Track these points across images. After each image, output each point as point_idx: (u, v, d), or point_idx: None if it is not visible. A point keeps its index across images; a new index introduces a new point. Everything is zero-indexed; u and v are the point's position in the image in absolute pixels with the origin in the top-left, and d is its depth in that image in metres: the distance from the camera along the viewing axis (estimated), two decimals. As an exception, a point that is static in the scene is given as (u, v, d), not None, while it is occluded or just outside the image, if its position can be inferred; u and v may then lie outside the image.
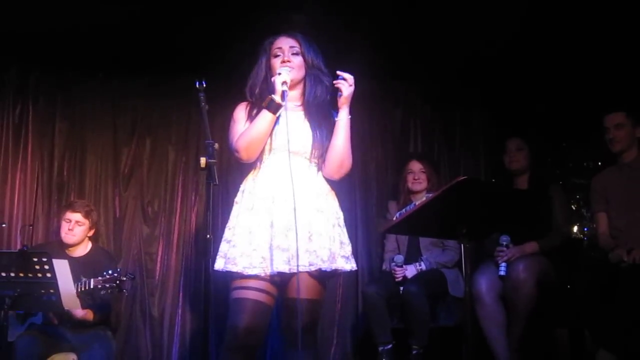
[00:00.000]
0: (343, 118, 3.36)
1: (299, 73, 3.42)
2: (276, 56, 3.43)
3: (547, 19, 4.63)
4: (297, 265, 3.13)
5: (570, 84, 5.22)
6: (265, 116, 3.27)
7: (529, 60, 5.15)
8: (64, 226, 4.76)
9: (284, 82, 3.26)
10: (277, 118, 3.30)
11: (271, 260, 3.20)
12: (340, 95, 3.32)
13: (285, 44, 3.44)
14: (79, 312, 4.39)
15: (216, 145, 3.10)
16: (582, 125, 5.21)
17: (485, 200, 3.10)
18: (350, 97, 3.33)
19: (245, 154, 3.33)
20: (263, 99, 3.32)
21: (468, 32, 4.84)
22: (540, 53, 5.03)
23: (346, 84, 3.29)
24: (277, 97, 3.24)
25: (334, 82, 3.32)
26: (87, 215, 4.78)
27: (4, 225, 5.16)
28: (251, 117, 3.39)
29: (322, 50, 3.52)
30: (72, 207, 4.80)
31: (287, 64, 3.37)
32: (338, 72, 3.31)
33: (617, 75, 4.88)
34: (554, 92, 5.38)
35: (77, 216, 4.74)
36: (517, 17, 4.63)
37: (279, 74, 3.30)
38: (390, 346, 4.66)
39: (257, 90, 3.44)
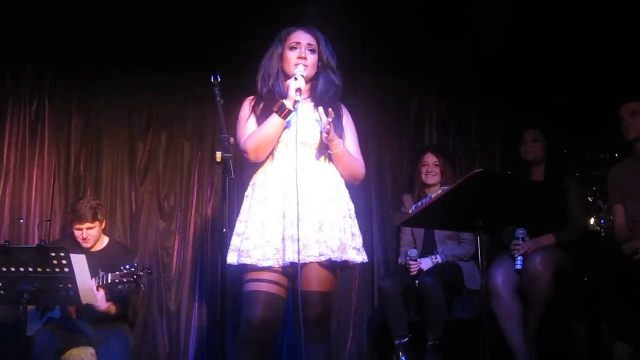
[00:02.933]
0: (337, 150, 3.36)
1: (312, 71, 3.44)
2: (292, 49, 3.43)
3: (563, 9, 4.60)
4: (299, 260, 3.15)
5: (586, 75, 5.19)
6: (275, 120, 3.28)
7: (544, 52, 5.12)
8: (78, 235, 4.71)
9: (298, 89, 3.26)
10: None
11: (283, 250, 3.21)
12: (327, 134, 3.27)
13: (304, 40, 3.45)
14: (103, 305, 4.41)
15: (232, 140, 3.11)
16: (598, 116, 5.18)
17: (502, 193, 3.09)
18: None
19: (253, 156, 3.36)
20: (274, 91, 3.32)
21: (483, 23, 4.81)
22: (557, 44, 5.00)
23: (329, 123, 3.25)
24: (288, 104, 3.25)
25: (325, 123, 3.25)
26: (94, 218, 4.68)
27: (21, 221, 5.19)
28: (255, 112, 3.40)
29: (334, 45, 3.53)
30: (78, 220, 4.67)
31: (303, 60, 3.38)
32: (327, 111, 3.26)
33: (635, 67, 4.84)
34: (570, 84, 5.35)
35: (85, 225, 4.68)
36: (533, 8, 4.60)
37: (295, 78, 3.30)
38: (406, 339, 4.67)
39: (270, 81, 3.45)
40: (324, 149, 3.38)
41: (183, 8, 4.67)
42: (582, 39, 4.87)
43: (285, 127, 3.32)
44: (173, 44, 5.06)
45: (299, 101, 3.26)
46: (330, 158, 3.41)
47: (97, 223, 4.73)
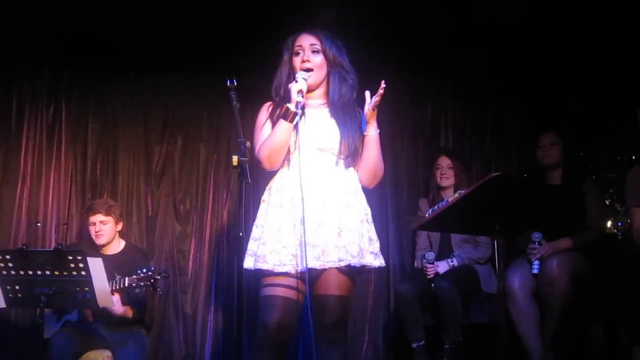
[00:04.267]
0: (372, 133, 3.36)
1: (320, 73, 3.40)
2: (297, 54, 3.41)
3: (579, 12, 4.58)
4: (306, 263, 3.13)
5: (602, 77, 5.16)
6: (283, 126, 3.26)
7: (560, 53, 5.10)
8: (92, 230, 4.79)
9: (300, 91, 3.23)
10: (303, 115, 3.30)
11: (300, 256, 3.20)
12: (369, 109, 3.28)
13: (306, 42, 3.41)
14: (120, 309, 4.43)
15: (248, 143, 3.10)
16: (615, 119, 5.15)
17: (519, 196, 3.09)
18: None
19: (268, 164, 3.34)
20: (287, 99, 3.31)
21: (499, 27, 4.80)
22: (573, 45, 4.98)
23: (378, 99, 3.26)
24: (292, 107, 3.23)
25: (373, 98, 3.26)
26: (108, 212, 4.77)
27: (39, 224, 5.22)
28: (272, 118, 3.39)
29: (349, 47, 3.49)
30: (91, 211, 4.80)
31: (307, 64, 3.36)
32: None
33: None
34: (586, 86, 5.32)
35: (98, 217, 4.75)
36: (547, 12, 4.59)
37: (296, 81, 3.28)
38: (423, 342, 4.65)
39: (281, 91, 3.43)
40: (342, 154, 3.37)
41: (199, 11, 4.69)
42: (598, 40, 4.85)
43: (297, 132, 3.31)
44: (189, 48, 5.09)
45: (300, 102, 3.23)
46: (346, 165, 3.39)
47: (110, 218, 4.78)
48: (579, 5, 4.53)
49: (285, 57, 3.47)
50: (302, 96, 3.24)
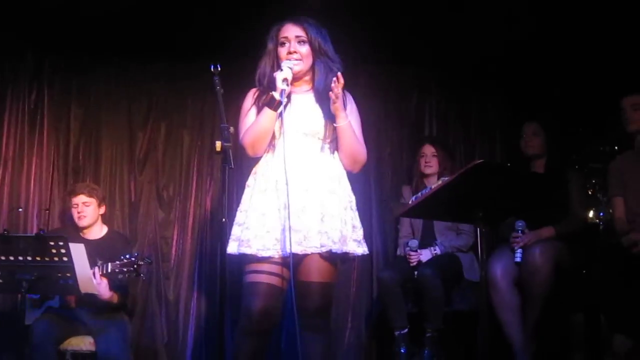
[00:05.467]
0: (342, 123, 3.33)
1: (306, 63, 3.40)
2: (282, 44, 3.40)
3: (563, 3, 4.59)
4: (290, 248, 3.13)
5: (586, 67, 5.17)
6: (267, 113, 3.27)
7: (545, 44, 5.10)
8: (74, 212, 4.78)
9: (285, 80, 3.24)
10: (288, 103, 3.31)
11: (283, 241, 3.21)
12: (332, 103, 3.26)
13: (291, 33, 3.40)
14: (106, 294, 4.41)
15: (231, 129, 3.11)
16: (599, 109, 5.16)
17: (502, 184, 3.09)
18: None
19: (251, 151, 3.36)
20: (271, 88, 3.30)
21: (484, 16, 4.80)
22: (557, 37, 4.98)
23: (339, 88, 3.23)
24: (277, 95, 3.23)
25: (332, 87, 3.22)
26: (90, 194, 4.78)
27: (20, 210, 5.21)
28: (257, 105, 3.39)
29: (335, 35, 3.49)
30: (74, 192, 4.82)
31: (294, 55, 3.35)
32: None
33: (634, 59, 4.82)
34: (571, 77, 5.33)
35: (81, 198, 4.76)
36: (533, 3, 4.60)
37: (281, 70, 3.27)
38: (406, 330, 4.67)
39: (265, 81, 3.42)
40: (327, 140, 3.37)
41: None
42: (583, 30, 4.86)
43: (282, 118, 3.30)
44: (173, 33, 5.05)
45: (285, 90, 3.23)
46: (332, 149, 3.39)
47: (93, 200, 4.78)
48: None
49: (270, 47, 3.46)
50: (287, 84, 3.24)
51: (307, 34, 3.39)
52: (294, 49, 3.37)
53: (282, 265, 3.24)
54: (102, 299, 4.41)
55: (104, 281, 4.36)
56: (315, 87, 3.43)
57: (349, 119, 3.36)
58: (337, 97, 3.23)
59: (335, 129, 3.35)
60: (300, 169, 3.28)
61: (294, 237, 3.17)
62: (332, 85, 3.21)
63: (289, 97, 3.32)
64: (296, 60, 3.34)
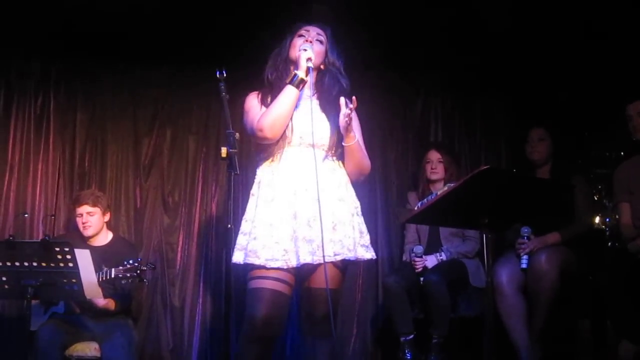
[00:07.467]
0: (351, 143, 3.33)
1: (318, 59, 3.41)
2: (300, 36, 3.43)
3: (569, 6, 4.58)
4: (298, 258, 3.12)
5: (592, 72, 5.16)
6: (290, 91, 3.26)
7: (550, 49, 5.10)
8: (79, 221, 4.77)
9: (309, 59, 3.26)
10: (295, 108, 3.30)
11: (297, 252, 3.18)
12: (343, 123, 3.24)
13: (313, 30, 3.45)
14: (101, 302, 4.42)
15: (237, 135, 3.09)
16: (604, 114, 5.15)
17: (508, 190, 3.08)
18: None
19: (270, 132, 3.27)
20: (281, 79, 3.30)
21: (489, 21, 4.80)
22: (562, 42, 4.98)
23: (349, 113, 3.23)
24: (301, 73, 3.25)
25: (346, 112, 3.22)
26: (95, 203, 4.76)
27: (26, 216, 5.20)
28: (265, 103, 3.38)
29: (341, 41, 3.52)
30: (78, 202, 4.79)
31: (309, 44, 3.37)
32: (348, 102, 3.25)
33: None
34: (576, 81, 5.33)
35: (85, 208, 4.74)
36: (539, 8, 4.59)
37: (305, 50, 3.29)
38: (411, 336, 4.66)
39: (274, 74, 3.44)
40: (332, 148, 3.36)
41: (190, 3, 4.67)
42: (589, 34, 4.85)
43: (293, 125, 3.30)
44: (179, 40, 5.06)
45: (311, 67, 3.26)
46: (338, 157, 3.39)
47: (97, 209, 4.76)
48: (570, 3, 4.54)
49: (287, 40, 3.48)
50: (312, 63, 3.28)
51: (326, 37, 3.46)
52: (312, 39, 3.41)
53: (289, 272, 3.21)
54: (97, 305, 4.44)
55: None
56: (323, 94, 3.44)
57: (356, 135, 3.37)
58: (350, 120, 3.23)
59: (340, 138, 3.34)
60: (307, 177, 3.25)
61: (307, 247, 3.16)
62: (346, 110, 3.20)
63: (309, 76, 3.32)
64: (311, 44, 3.37)
